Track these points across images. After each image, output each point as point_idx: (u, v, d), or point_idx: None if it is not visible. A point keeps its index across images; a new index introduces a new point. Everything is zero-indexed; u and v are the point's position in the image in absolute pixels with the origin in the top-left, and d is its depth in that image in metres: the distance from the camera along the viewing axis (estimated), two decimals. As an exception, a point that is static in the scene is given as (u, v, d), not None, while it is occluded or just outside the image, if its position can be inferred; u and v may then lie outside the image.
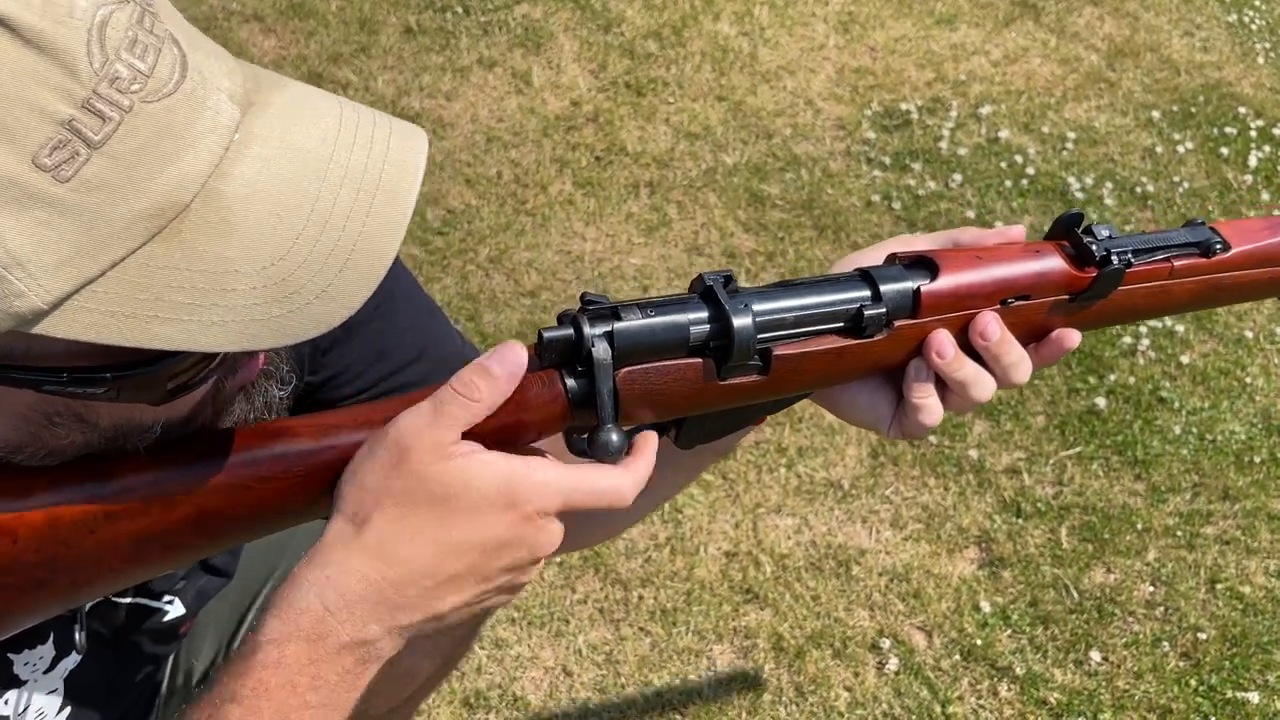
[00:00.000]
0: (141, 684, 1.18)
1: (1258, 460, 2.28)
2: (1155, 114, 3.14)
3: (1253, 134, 3.09)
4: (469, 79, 3.13)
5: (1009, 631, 2.00)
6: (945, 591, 2.05)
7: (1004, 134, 3.05)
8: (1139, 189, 2.91)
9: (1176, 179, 2.95)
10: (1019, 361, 0.91)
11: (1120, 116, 3.14)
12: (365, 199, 0.67)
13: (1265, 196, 2.92)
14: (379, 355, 1.15)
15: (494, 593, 0.77)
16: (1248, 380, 2.44)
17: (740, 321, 0.80)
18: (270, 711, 0.71)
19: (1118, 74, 3.27)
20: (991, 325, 0.89)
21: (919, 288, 0.87)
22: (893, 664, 1.94)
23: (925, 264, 0.88)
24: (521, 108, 3.05)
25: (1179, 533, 2.15)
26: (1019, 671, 1.94)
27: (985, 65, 3.29)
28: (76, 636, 0.98)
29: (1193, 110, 3.16)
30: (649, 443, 0.81)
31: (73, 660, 1.01)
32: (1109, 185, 2.92)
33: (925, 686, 1.92)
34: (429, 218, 2.74)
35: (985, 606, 2.03)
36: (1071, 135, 3.05)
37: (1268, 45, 3.43)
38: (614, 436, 0.78)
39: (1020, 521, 2.16)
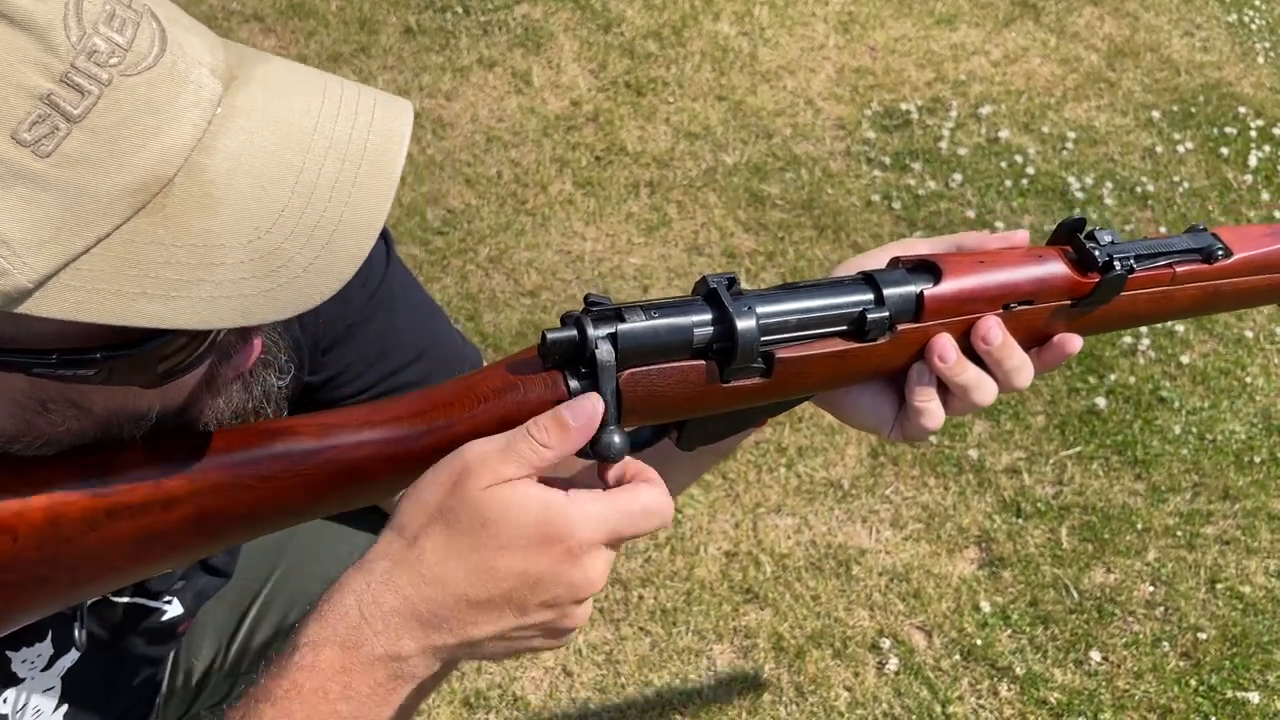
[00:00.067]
0: (140, 684, 1.18)
1: (1258, 460, 2.28)
2: (1155, 114, 3.14)
3: (1253, 134, 3.09)
4: (469, 79, 3.13)
5: (1009, 631, 2.00)
6: (945, 591, 2.05)
7: (1004, 134, 3.05)
8: (1139, 189, 2.91)
9: (1176, 179, 2.95)
10: (1021, 366, 0.91)
11: (1120, 116, 3.14)
12: (350, 169, 0.66)
13: (1265, 196, 2.92)
14: (379, 355, 1.15)
15: (534, 631, 0.76)
16: (1248, 380, 2.44)
17: (744, 324, 0.80)
18: (301, 715, 0.72)
19: (1118, 74, 3.27)
20: (994, 330, 0.89)
21: (922, 291, 0.87)
22: (893, 664, 1.94)
23: (928, 268, 0.88)
24: (521, 108, 3.05)
25: (1179, 533, 2.15)
26: (1019, 671, 1.94)
27: (985, 65, 3.29)
28: (76, 634, 0.98)
29: (1193, 110, 3.16)
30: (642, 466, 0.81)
31: (70, 658, 1.00)
32: (1109, 185, 2.92)
33: (925, 686, 1.92)
34: (429, 218, 2.74)
35: (985, 606, 2.03)
36: (1071, 135, 3.05)
37: (1268, 45, 3.43)
38: (616, 438, 0.78)
39: (1020, 521, 2.16)
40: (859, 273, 0.88)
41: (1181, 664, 1.96)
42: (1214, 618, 2.02)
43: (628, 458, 0.80)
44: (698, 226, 2.75)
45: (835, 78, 3.22)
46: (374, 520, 1.38)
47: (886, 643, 1.96)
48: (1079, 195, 2.88)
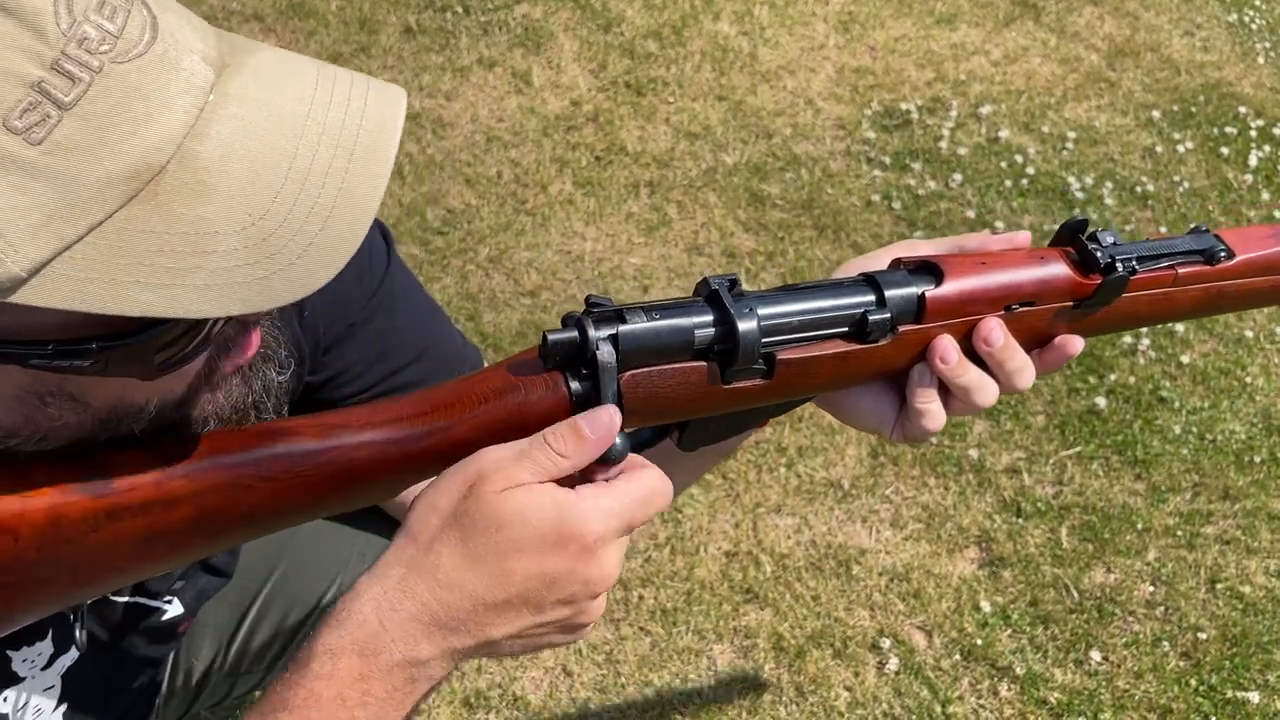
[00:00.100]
0: (140, 684, 1.18)
1: (1258, 460, 2.28)
2: (1155, 114, 3.14)
3: (1253, 134, 3.09)
4: (469, 79, 3.13)
5: (1009, 631, 2.00)
6: (945, 591, 2.05)
7: (1004, 134, 3.04)
8: (1139, 189, 2.91)
9: (1177, 179, 2.95)
10: (1022, 368, 0.91)
11: (1120, 116, 3.14)
12: (344, 155, 0.66)
13: (1265, 196, 2.92)
14: (380, 355, 1.15)
15: (551, 628, 0.77)
16: (1248, 380, 2.44)
17: (745, 325, 0.80)
18: None
19: (1118, 74, 3.27)
20: (995, 331, 0.89)
21: (924, 293, 0.87)
22: (893, 664, 1.94)
23: (930, 269, 0.88)
24: (521, 107, 3.05)
25: (1179, 532, 2.15)
26: (1019, 671, 1.94)
27: (985, 65, 3.29)
28: (77, 634, 0.98)
29: (1193, 110, 3.16)
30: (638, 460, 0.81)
31: (70, 657, 1.00)
32: (1109, 185, 2.92)
33: (925, 686, 1.92)
34: (429, 218, 2.73)
35: (985, 606, 2.03)
36: (1071, 135, 3.05)
37: (1268, 45, 3.43)
38: (617, 440, 0.78)
39: (1020, 521, 2.16)
40: (860, 274, 0.88)
41: (1182, 664, 1.96)
42: (1214, 617, 2.02)
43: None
44: (698, 226, 2.75)
45: (835, 78, 3.22)
46: (375, 521, 1.39)
47: (887, 643, 1.96)
48: (1079, 195, 2.88)
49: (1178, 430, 2.32)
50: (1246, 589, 2.06)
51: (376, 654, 0.73)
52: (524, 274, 2.61)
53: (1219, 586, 2.07)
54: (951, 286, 0.87)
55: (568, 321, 0.79)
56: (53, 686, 1.01)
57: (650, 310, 0.80)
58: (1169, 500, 2.21)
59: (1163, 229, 2.80)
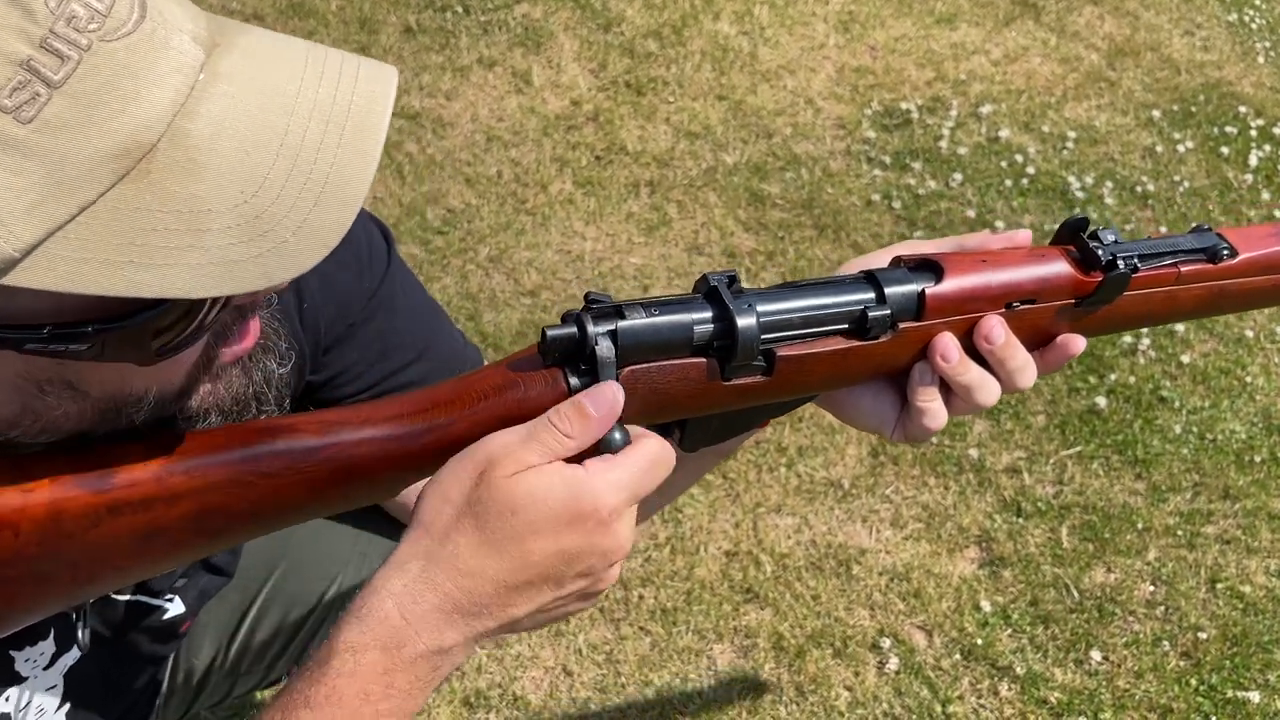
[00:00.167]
0: (141, 683, 1.18)
1: (1258, 460, 2.28)
2: (1155, 113, 3.14)
3: (1253, 133, 3.09)
4: (469, 78, 3.13)
5: (1009, 631, 2.00)
6: (945, 591, 2.05)
7: (1004, 133, 3.04)
8: (1139, 188, 2.91)
9: (1177, 178, 2.95)
10: (1024, 366, 0.91)
11: (1120, 116, 3.14)
12: (335, 132, 0.66)
13: (1265, 196, 2.92)
14: (380, 355, 1.15)
15: (570, 599, 0.79)
16: (1248, 380, 2.44)
17: (744, 321, 0.80)
18: (342, 718, 0.72)
19: (1118, 73, 3.27)
20: (996, 329, 0.89)
21: (924, 290, 0.87)
22: (893, 663, 1.94)
23: (930, 267, 0.88)
24: (521, 107, 3.05)
25: (1179, 532, 2.15)
26: (1019, 671, 1.94)
27: (985, 64, 3.29)
28: (79, 633, 0.98)
29: (1193, 110, 3.16)
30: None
31: (72, 656, 1.00)
32: (1109, 184, 2.92)
33: (926, 686, 1.92)
34: (429, 217, 2.73)
35: (985, 606, 2.03)
36: (1072, 134, 3.05)
37: (1268, 44, 3.43)
38: (616, 435, 0.78)
39: (1020, 521, 2.16)
40: (860, 271, 0.88)
41: (1182, 663, 1.96)
42: (1214, 617, 2.02)
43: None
44: (698, 226, 2.75)
45: (835, 77, 3.22)
46: (375, 521, 1.38)
47: (887, 642, 1.96)
48: (1079, 195, 2.88)
49: (1178, 430, 2.32)
50: (1247, 589, 2.06)
51: (400, 647, 0.74)
52: (524, 274, 2.61)
53: (1219, 586, 2.07)
54: (952, 284, 0.87)
55: (567, 318, 0.79)
56: (55, 686, 1.01)
57: (649, 306, 0.80)
58: (1169, 500, 2.20)
59: (1163, 229, 2.80)
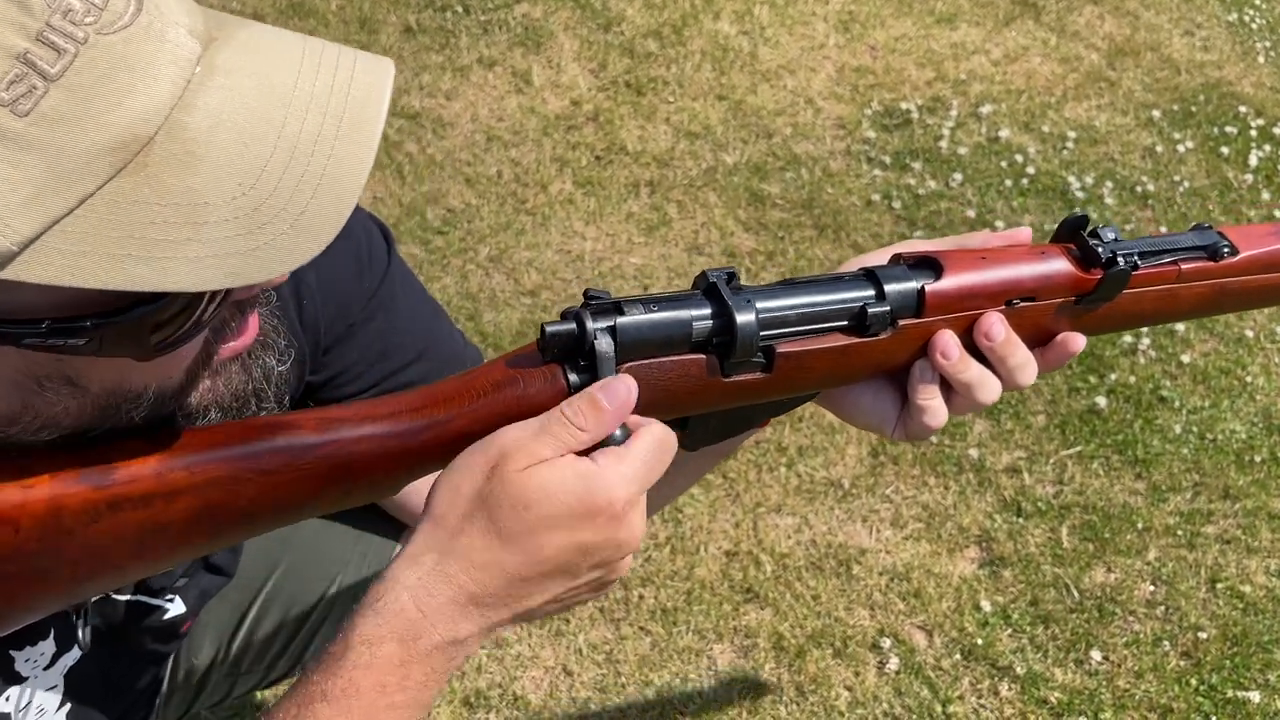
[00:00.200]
0: (142, 682, 1.18)
1: (1258, 459, 2.28)
2: (1155, 113, 3.14)
3: (1253, 133, 3.09)
4: (469, 78, 3.13)
5: (1009, 631, 2.00)
6: (946, 591, 2.05)
7: (1004, 133, 3.04)
8: (1139, 188, 2.91)
9: (1177, 178, 2.95)
10: (1025, 363, 0.90)
11: (1120, 116, 3.14)
12: (332, 124, 0.66)
13: (1265, 196, 2.92)
14: (380, 355, 1.15)
15: (584, 588, 0.79)
16: (1248, 379, 2.44)
17: (743, 318, 0.80)
18: (359, 711, 0.73)
19: (1118, 73, 3.27)
20: (996, 326, 0.89)
21: (923, 287, 0.87)
22: (893, 663, 1.94)
23: (930, 264, 0.88)
24: (521, 107, 3.05)
25: (1179, 532, 2.15)
26: (1019, 671, 1.94)
27: (985, 64, 3.29)
28: (80, 632, 0.98)
29: (1193, 109, 3.16)
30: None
31: (73, 656, 1.00)
32: (1109, 184, 2.92)
33: (926, 686, 1.92)
34: (429, 217, 2.73)
35: (986, 606, 2.03)
36: (1072, 134, 3.05)
37: (1268, 44, 3.43)
38: (618, 432, 0.78)
39: (1021, 521, 2.16)
40: (860, 268, 0.88)
41: (1182, 663, 1.96)
42: (1214, 617, 2.02)
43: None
44: (698, 226, 2.75)
45: (835, 77, 3.22)
46: (375, 521, 1.38)
47: (887, 642, 1.96)
48: (1079, 195, 2.88)
49: (1178, 430, 2.32)
50: (1247, 588, 2.06)
51: (416, 639, 0.74)
52: (524, 273, 2.61)
53: (1219, 586, 2.07)
54: (951, 281, 0.87)
55: (566, 314, 0.79)
56: (55, 686, 1.01)
57: (648, 303, 0.80)
58: (1169, 500, 2.20)
59: (1163, 228, 2.80)
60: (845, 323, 0.86)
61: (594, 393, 0.77)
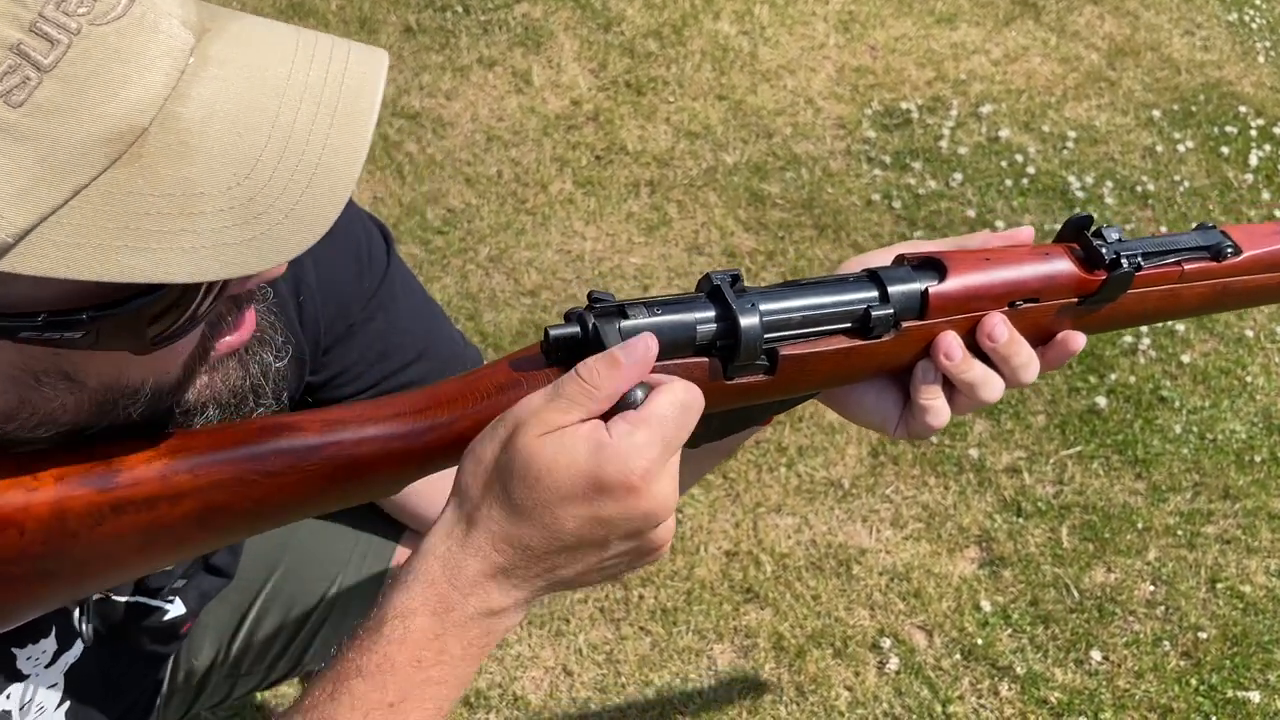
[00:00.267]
0: (142, 682, 1.18)
1: (1258, 459, 2.28)
2: (1156, 113, 3.14)
3: (1253, 133, 3.09)
4: (469, 78, 3.13)
5: (1009, 631, 2.00)
6: (946, 591, 2.05)
7: (1004, 133, 3.04)
8: (1139, 188, 2.91)
9: (1177, 178, 2.95)
10: (1028, 362, 0.90)
11: (1121, 115, 3.14)
12: (326, 114, 0.66)
13: (1266, 196, 2.92)
14: (380, 355, 1.15)
15: (623, 559, 0.77)
16: (1248, 379, 2.44)
17: (747, 321, 0.80)
18: (395, 686, 0.73)
19: (1118, 73, 3.27)
20: (999, 327, 0.89)
21: (927, 289, 0.87)
22: (893, 663, 1.94)
23: (933, 265, 0.88)
24: (521, 107, 3.05)
25: (1179, 532, 2.15)
26: (1020, 671, 1.94)
27: (985, 64, 3.29)
28: (83, 628, 0.98)
29: (1193, 109, 3.16)
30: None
31: (74, 654, 1.00)
32: (1109, 184, 2.92)
33: (926, 686, 1.92)
34: (429, 217, 2.73)
35: (986, 606, 2.03)
36: (1072, 134, 3.05)
37: (1268, 44, 3.43)
38: (637, 392, 0.78)
39: (1021, 521, 2.16)
40: (863, 270, 0.88)
41: (1182, 663, 1.96)
42: (1214, 617, 2.02)
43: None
44: (698, 226, 2.75)
45: (835, 77, 3.22)
46: (375, 521, 1.38)
47: (887, 642, 1.96)
48: (1079, 194, 2.88)
49: (1178, 430, 2.32)
50: (1247, 588, 2.06)
51: (449, 611, 0.74)
52: (524, 273, 2.60)
53: (1219, 586, 2.07)
54: (955, 282, 0.87)
55: (570, 317, 0.79)
56: (56, 684, 1.01)
57: (652, 306, 0.80)
58: (1169, 500, 2.20)
59: (1163, 228, 2.80)
60: (849, 325, 0.86)
61: (614, 350, 0.75)
